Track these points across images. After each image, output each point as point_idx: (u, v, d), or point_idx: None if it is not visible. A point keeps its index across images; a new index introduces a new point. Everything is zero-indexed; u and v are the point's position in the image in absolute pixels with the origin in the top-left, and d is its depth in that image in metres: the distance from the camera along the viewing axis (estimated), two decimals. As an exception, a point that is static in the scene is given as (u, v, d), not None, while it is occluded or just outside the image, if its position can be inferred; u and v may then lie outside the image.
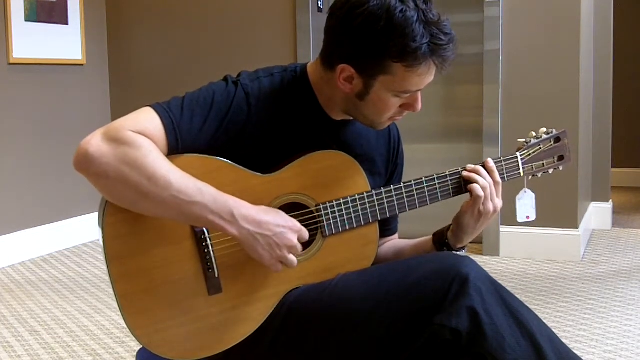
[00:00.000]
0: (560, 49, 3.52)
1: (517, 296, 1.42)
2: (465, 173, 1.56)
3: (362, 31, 1.39)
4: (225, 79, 1.51)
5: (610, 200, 4.35)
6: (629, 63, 5.73)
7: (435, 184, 1.55)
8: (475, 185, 1.54)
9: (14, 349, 2.53)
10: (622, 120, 5.50)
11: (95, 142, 1.35)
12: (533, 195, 1.69)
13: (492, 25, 3.60)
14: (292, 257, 1.43)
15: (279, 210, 1.44)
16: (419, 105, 1.49)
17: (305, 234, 1.45)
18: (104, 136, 1.35)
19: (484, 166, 1.57)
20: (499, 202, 1.57)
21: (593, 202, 4.29)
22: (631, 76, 5.77)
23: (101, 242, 1.42)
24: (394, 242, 1.75)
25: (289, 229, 1.41)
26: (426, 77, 1.43)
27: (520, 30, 3.58)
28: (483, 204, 1.54)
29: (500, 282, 1.41)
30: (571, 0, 3.49)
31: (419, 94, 1.48)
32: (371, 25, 1.38)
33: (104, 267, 3.57)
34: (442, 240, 1.63)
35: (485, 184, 1.55)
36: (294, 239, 1.42)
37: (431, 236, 1.66)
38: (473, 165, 1.57)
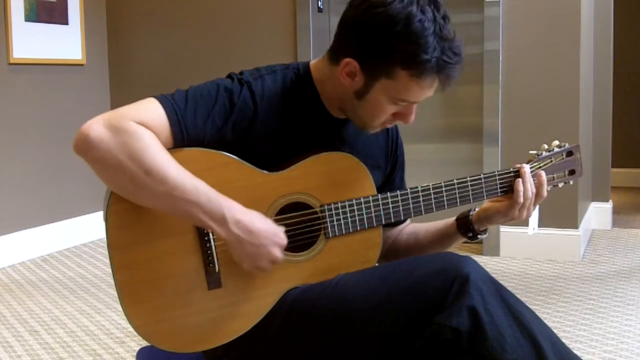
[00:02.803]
0: (560, 49, 3.52)
1: (517, 296, 1.42)
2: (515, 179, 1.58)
3: (377, 30, 1.40)
4: (230, 76, 1.51)
5: (610, 201, 4.35)
6: (629, 63, 5.73)
7: (442, 192, 1.56)
8: (519, 191, 1.56)
9: (14, 349, 2.53)
10: (622, 121, 5.50)
11: (97, 127, 1.34)
12: (538, 206, 1.70)
13: (492, 25, 3.60)
14: (270, 266, 1.43)
15: (268, 219, 1.44)
16: (412, 118, 1.50)
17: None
18: (106, 122, 1.35)
19: (520, 174, 1.58)
20: (532, 211, 1.59)
21: (593, 202, 4.29)
22: (631, 76, 5.77)
23: (105, 231, 1.41)
24: (412, 228, 1.75)
25: (275, 244, 1.41)
26: (427, 90, 1.44)
27: (520, 30, 3.58)
28: (519, 210, 1.57)
29: (500, 282, 1.41)
30: (571, 0, 3.49)
31: (415, 106, 1.49)
32: (387, 27, 1.39)
33: (104, 267, 3.59)
34: (467, 227, 1.64)
35: (529, 195, 1.57)
36: (278, 254, 1.42)
37: (454, 220, 1.67)
38: (523, 169, 1.57)
